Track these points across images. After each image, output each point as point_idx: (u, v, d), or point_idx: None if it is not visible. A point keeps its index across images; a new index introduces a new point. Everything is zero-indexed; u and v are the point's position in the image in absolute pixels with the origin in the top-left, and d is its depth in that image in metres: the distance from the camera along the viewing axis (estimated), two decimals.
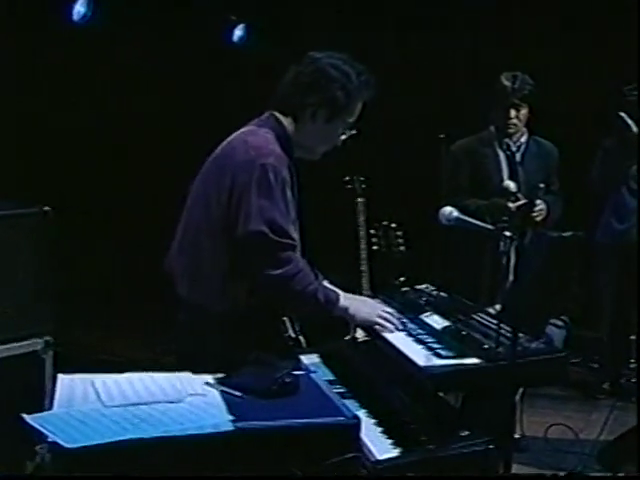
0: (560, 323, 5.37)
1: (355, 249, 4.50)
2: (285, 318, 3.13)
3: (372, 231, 3.80)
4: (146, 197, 6.73)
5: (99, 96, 6.56)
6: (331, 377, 2.86)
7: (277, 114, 2.90)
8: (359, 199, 4.65)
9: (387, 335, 2.83)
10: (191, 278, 2.86)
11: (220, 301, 2.79)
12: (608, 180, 5.21)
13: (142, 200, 6.74)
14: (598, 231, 5.34)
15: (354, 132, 2.95)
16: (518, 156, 4.61)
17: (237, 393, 2.20)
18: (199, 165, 2.98)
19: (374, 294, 3.63)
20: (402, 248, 3.89)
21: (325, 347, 3.26)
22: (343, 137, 2.93)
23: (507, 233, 2.91)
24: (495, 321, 2.83)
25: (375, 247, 3.75)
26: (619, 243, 5.28)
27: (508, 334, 2.54)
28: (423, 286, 3.39)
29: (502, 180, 4.48)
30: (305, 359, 2.96)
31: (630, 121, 4.95)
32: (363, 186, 4.71)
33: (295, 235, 2.81)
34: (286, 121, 2.89)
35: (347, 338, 4.23)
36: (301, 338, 3.98)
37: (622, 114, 4.95)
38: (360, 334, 4.12)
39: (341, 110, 2.84)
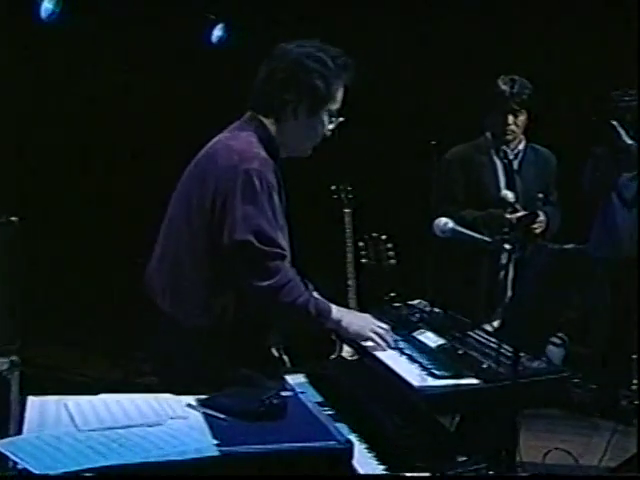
0: (558, 341, 5.38)
1: (341, 262, 4.52)
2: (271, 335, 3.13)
3: (360, 243, 3.80)
4: (119, 209, 6.70)
5: (68, 99, 6.53)
6: (319, 399, 2.85)
7: (259, 115, 2.91)
8: (346, 209, 4.67)
9: (378, 353, 2.83)
10: (173, 292, 2.85)
11: (204, 316, 2.79)
12: (598, 189, 5.26)
13: (115, 212, 6.70)
14: (589, 244, 5.37)
15: (342, 120, 2.96)
16: (516, 164, 4.64)
17: (221, 415, 2.18)
18: (179, 172, 2.98)
19: (362, 310, 3.63)
20: (392, 261, 3.90)
21: (311, 367, 3.25)
22: (331, 127, 2.95)
23: (506, 246, 2.92)
24: (493, 339, 2.86)
25: (364, 260, 3.75)
26: (610, 256, 5.31)
27: (508, 353, 2.55)
28: (416, 302, 3.39)
29: (499, 190, 4.50)
30: (290, 379, 2.95)
31: (621, 129, 4.98)
32: (350, 196, 4.73)
33: (284, 243, 2.81)
34: (268, 121, 2.90)
35: (333, 357, 4.24)
36: (285, 357, 3.99)
37: (614, 122, 4.98)
38: (347, 353, 4.13)
39: (323, 100, 2.86)
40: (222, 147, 2.85)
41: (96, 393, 2.31)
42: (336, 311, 2.88)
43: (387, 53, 6.27)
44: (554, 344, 5.42)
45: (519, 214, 4.20)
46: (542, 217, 4.37)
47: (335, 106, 2.91)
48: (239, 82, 3.20)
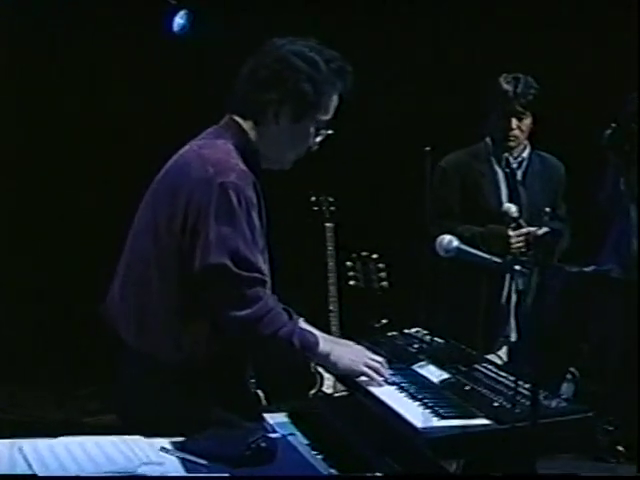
0: (568, 376, 5.42)
1: (322, 284, 4.52)
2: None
3: (348, 263, 3.82)
4: (70, 222, 6.63)
5: (20, 97, 6.50)
6: (304, 441, 2.85)
7: (237, 118, 2.91)
8: (327, 223, 4.68)
9: (374, 389, 2.83)
10: (138, 322, 2.83)
11: (174, 349, 2.77)
12: (616, 201, 5.29)
13: (64, 227, 6.64)
14: (602, 261, 5.38)
15: (330, 132, 2.96)
16: (519, 174, 4.66)
17: (201, 460, 2.18)
18: (144, 184, 2.97)
19: (345, 339, 3.63)
20: (384, 284, 3.92)
21: (292, 404, 3.25)
22: (317, 139, 2.95)
23: (517, 267, 2.92)
24: (504, 373, 2.87)
25: (352, 282, 3.77)
26: (622, 277, 5.33)
27: (524, 389, 2.56)
28: (413, 330, 3.41)
29: (501, 203, 4.52)
30: (270, 419, 2.94)
31: None
32: (332, 208, 4.74)
33: (264, 267, 2.81)
34: (247, 126, 2.90)
35: (314, 392, 4.25)
36: (259, 393, 3.98)
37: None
38: (329, 387, 4.13)
39: (309, 106, 2.86)
40: (194, 157, 2.84)
41: (34, 434, 2.29)
42: (324, 343, 2.88)
43: (372, 50, 6.28)
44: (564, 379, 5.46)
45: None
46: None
47: (325, 116, 2.91)
48: (204, 75, 3.20)
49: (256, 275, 2.74)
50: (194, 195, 2.73)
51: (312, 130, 2.91)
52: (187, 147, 2.93)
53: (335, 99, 2.92)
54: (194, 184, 2.75)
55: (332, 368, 2.94)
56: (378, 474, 2.38)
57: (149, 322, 2.81)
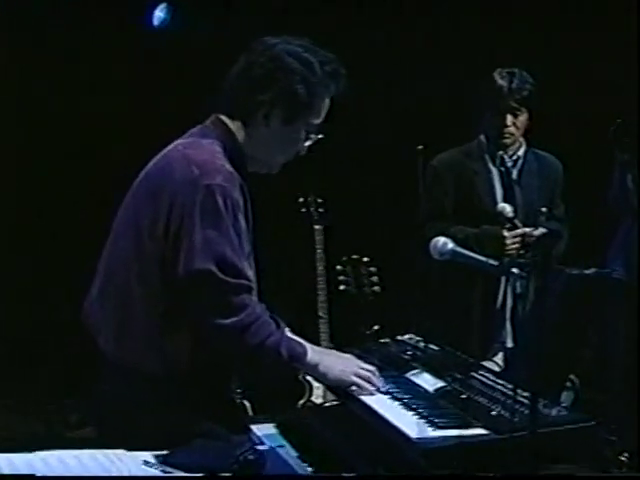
0: (568, 383, 5.41)
1: (311, 290, 4.51)
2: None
3: (338, 267, 3.82)
4: (44, 225, 6.61)
5: None
6: (293, 453, 2.85)
7: (224, 118, 2.91)
8: (316, 226, 4.68)
9: (366, 399, 2.83)
10: (118, 332, 2.83)
11: (156, 359, 2.77)
12: (623, 199, 5.29)
13: (37, 229, 6.62)
14: (608, 262, 5.39)
15: (321, 137, 2.96)
16: (515, 173, 4.66)
17: (187, 475, 2.17)
18: (124, 186, 2.96)
19: (338, 347, 3.64)
20: (376, 288, 3.91)
21: (280, 414, 3.25)
22: (307, 144, 2.95)
23: (515, 270, 2.92)
24: (502, 381, 2.88)
25: (342, 287, 3.77)
26: (625, 278, 5.33)
27: (522, 397, 2.57)
28: (406, 337, 3.41)
29: (495, 203, 4.52)
30: (258, 430, 2.94)
31: None
32: (321, 209, 4.74)
33: (250, 273, 2.81)
34: (235, 126, 2.89)
35: (303, 402, 4.24)
36: (246, 403, 3.98)
37: None
38: (319, 397, 4.13)
39: (302, 109, 2.87)
40: (178, 157, 2.83)
41: (19, 450, 2.29)
42: (312, 353, 2.88)
43: (361, 45, 6.28)
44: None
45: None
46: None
47: (316, 120, 2.92)
48: (185, 70, 3.20)
49: (243, 282, 2.73)
50: (178, 197, 2.72)
51: (303, 134, 2.91)
52: (170, 147, 2.92)
53: (327, 103, 2.93)
54: (178, 186, 2.74)
55: (322, 379, 2.95)
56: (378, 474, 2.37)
57: (130, 332, 2.80)
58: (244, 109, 2.88)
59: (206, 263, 2.67)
